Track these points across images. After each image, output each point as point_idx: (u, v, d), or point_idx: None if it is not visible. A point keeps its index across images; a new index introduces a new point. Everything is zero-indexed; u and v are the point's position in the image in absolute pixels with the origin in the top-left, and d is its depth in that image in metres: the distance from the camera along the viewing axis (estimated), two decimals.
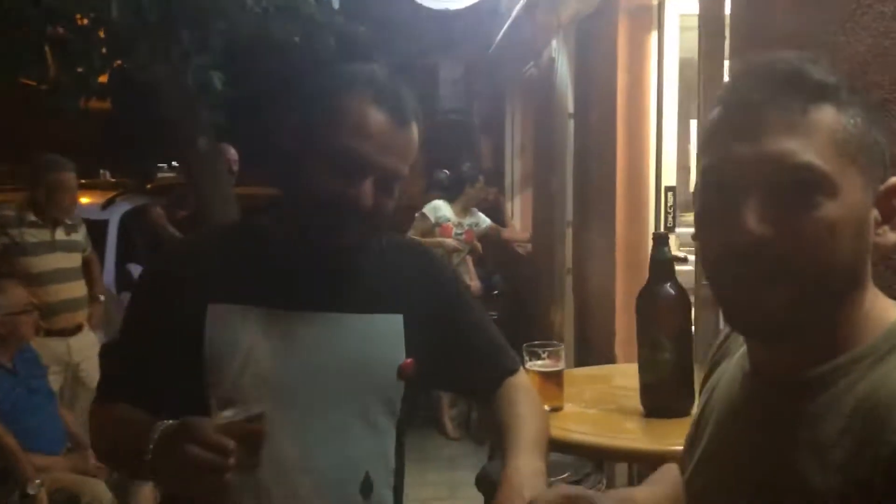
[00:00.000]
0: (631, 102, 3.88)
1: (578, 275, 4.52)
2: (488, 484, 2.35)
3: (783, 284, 0.81)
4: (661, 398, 1.67)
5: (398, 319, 1.33)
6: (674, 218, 3.99)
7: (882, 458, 0.76)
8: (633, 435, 1.61)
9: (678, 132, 3.87)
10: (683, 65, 3.97)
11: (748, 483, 0.91)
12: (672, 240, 4.08)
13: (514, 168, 7.03)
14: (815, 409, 0.84)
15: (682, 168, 4.13)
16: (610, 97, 3.95)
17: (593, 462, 2.66)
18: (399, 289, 1.36)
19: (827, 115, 0.82)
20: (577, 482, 2.59)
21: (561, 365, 1.70)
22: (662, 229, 3.96)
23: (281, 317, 1.28)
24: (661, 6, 3.86)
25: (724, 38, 2.48)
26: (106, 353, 1.44)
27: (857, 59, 1.57)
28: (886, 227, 0.86)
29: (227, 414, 1.14)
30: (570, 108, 4.51)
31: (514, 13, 5.44)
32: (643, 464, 1.74)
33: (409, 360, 1.32)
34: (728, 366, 1.06)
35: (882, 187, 0.85)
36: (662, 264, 1.65)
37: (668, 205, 3.97)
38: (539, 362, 1.77)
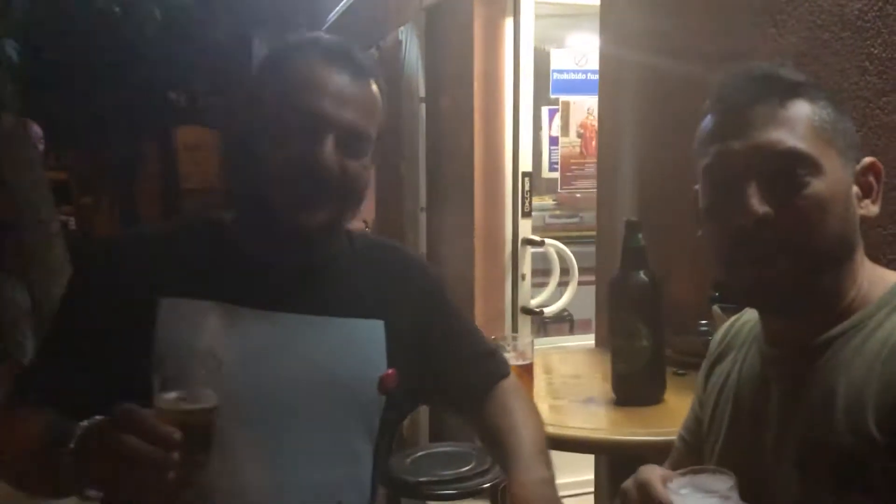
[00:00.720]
0: (487, 88, 3.91)
1: (433, 260, 4.51)
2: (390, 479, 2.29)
3: (784, 257, 0.93)
4: (637, 387, 1.67)
5: (378, 326, 1.21)
6: (530, 203, 4.08)
7: None
8: (627, 427, 1.59)
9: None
10: (538, 52, 4.06)
11: (788, 446, 0.97)
12: (527, 224, 4.19)
13: None
14: (840, 360, 0.94)
15: (535, 153, 4.24)
16: (466, 82, 3.96)
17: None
18: (379, 291, 1.24)
19: (802, 108, 0.95)
20: (484, 472, 2.57)
21: (530, 358, 1.66)
22: (521, 215, 4.05)
23: (246, 316, 1.13)
24: None
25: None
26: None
27: (789, 50, 1.65)
28: (867, 201, 0.99)
29: (170, 397, 0.95)
30: (422, 92, 4.47)
31: None
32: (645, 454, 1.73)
33: (390, 372, 1.20)
34: (739, 355, 1.13)
35: (858, 166, 0.98)
36: (636, 251, 1.64)
37: (525, 189, 4.05)
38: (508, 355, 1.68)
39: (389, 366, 1.20)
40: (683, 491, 0.89)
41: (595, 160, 4.45)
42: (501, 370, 1.35)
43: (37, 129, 4.57)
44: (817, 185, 0.93)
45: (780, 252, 0.93)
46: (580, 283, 4.09)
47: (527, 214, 4.01)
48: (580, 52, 4.41)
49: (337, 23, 5.94)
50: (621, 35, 2.49)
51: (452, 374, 1.31)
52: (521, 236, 3.99)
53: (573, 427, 1.56)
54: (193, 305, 1.11)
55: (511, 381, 1.34)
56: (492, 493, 2.62)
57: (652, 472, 0.93)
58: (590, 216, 5.19)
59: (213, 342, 1.10)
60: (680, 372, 1.77)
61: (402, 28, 4.61)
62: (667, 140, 2.29)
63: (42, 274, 4.44)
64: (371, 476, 1.22)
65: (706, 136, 1.00)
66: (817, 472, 0.93)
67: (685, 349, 1.77)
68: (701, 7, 2.14)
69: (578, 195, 4.94)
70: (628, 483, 0.94)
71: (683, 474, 0.91)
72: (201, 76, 8.67)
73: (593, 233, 5.06)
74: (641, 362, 1.63)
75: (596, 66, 4.42)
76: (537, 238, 4.01)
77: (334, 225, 1.16)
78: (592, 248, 4.32)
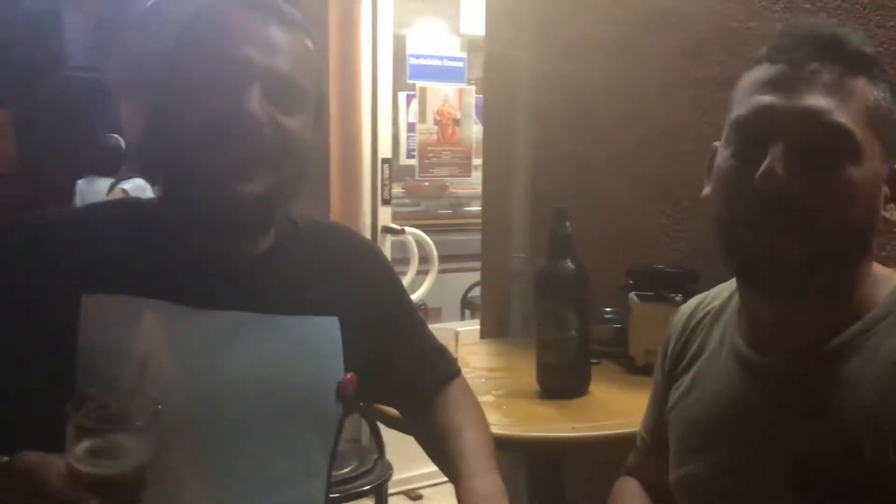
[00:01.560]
0: (344, 73, 3.78)
1: None
2: None
3: (801, 235, 0.84)
4: (565, 378, 1.62)
5: (333, 323, 1.08)
6: (389, 190, 4.00)
7: None
8: (566, 421, 1.53)
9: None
10: (395, 36, 3.97)
11: (783, 467, 0.90)
12: (387, 212, 4.10)
13: None
14: (847, 372, 0.87)
15: (394, 140, 4.16)
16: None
17: (378, 450, 2.56)
18: (332, 283, 1.10)
19: (861, 85, 0.87)
20: (367, 472, 2.47)
21: (455, 354, 1.57)
22: (380, 202, 3.95)
23: (182, 314, 0.97)
24: None
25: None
26: None
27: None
28: (893, 205, 0.90)
29: (86, 448, 0.77)
30: None
31: None
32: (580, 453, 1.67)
33: (349, 376, 1.08)
34: (708, 353, 1.05)
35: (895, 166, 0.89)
36: (563, 239, 1.59)
37: (384, 176, 3.96)
38: None
39: (347, 368, 1.08)
40: None
41: (452, 148, 4.48)
42: (452, 369, 1.27)
43: None
44: (853, 171, 0.84)
45: (796, 228, 0.84)
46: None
47: (386, 202, 3.93)
48: (437, 37, 4.38)
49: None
50: (508, 21, 2.46)
51: (405, 373, 1.21)
52: (380, 224, 3.91)
53: (511, 425, 1.50)
54: (121, 303, 0.95)
55: (461, 382, 1.27)
56: (375, 495, 2.54)
57: None
58: (434, 204, 5.21)
59: (145, 345, 0.94)
60: (593, 361, 1.77)
61: None
62: (561, 128, 2.29)
63: None
64: (324, 494, 1.11)
65: (749, 85, 0.90)
66: (819, 496, 0.86)
67: (594, 338, 1.76)
68: None
69: (427, 184, 4.93)
70: None
71: None
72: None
73: (441, 221, 5.11)
74: (571, 353, 1.60)
75: (452, 53, 4.45)
76: (397, 226, 3.94)
77: (273, 200, 0.99)
78: (441, 237, 4.36)
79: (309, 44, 1.02)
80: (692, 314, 1.12)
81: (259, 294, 1.02)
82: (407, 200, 5.08)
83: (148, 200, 1.06)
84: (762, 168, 0.84)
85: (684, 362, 1.09)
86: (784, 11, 1.70)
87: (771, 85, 0.87)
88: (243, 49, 0.95)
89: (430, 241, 4.00)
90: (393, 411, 1.36)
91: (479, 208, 5.21)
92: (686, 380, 1.07)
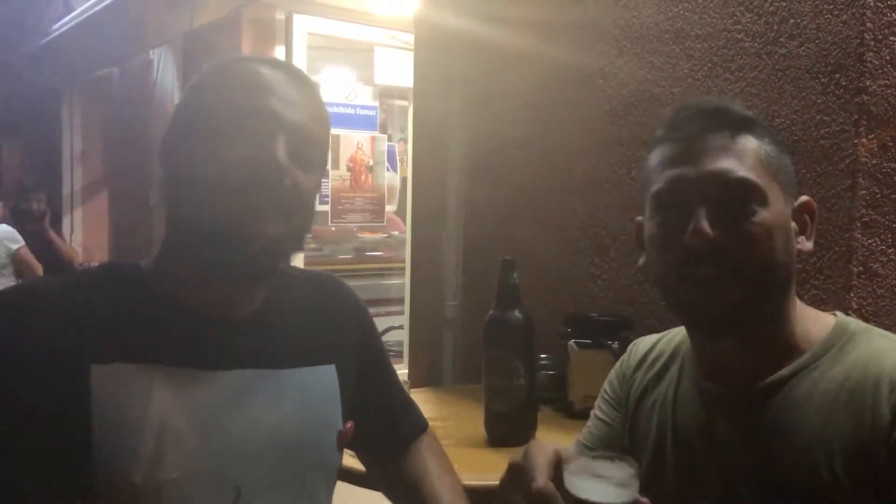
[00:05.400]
0: None
1: None
2: None
3: (735, 281, 0.96)
4: (514, 425, 1.66)
5: (331, 372, 1.10)
6: None
7: (879, 430, 0.90)
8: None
9: None
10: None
11: (740, 488, 0.99)
12: (299, 258, 4.08)
13: (75, 177, 6.24)
14: (795, 400, 0.97)
15: None
16: None
17: None
18: (325, 332, 1.12)
19: (751, 142, 1.01)
20: None
21: None
22: None
23: (191, 377, 0.97)
24: (288, 21, 3.84)
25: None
26: None
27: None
28: (803, 237, 1.05)
29: None
30: None
31: (85, 12, 4.86)
32: None
33: (349, 425, 1.10)
34: (663, 386, 1.14)
35: (796, 203, 1.03)
36: (511, 289, 1.65)
37: None
38: None
39: (343, 417, 1.10)
40: (575, 477, 0.83)
41: (364, 194, 4.51)
42: (423, 421, 1.30)
43: None
44: (764, 215, 0.96)
45: (729, 276, 0.95)
46: None
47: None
48: (349, 86, 4.43)
49: (67, 34, 5.36)
50: (436, 73, 2.54)
51: (380, 423, 1.23)
52: None
53: (466, 475, 1.53)
54: (130, 370, 0.93)
55: (431, 434, 1.30)
56: None
57: (540, 453, 0.87)
58: (338, 249, 5.21)
59: (160, 412, 0.93)
60: None
61: (154, 50, 4.32)
62: (489, 178, 2.37)
63: None
64: None
65: (658, 163, 1.03)
66: None
67: None
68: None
69: (333, 229, 4.94)
70: (517, 458, 0.90)
71: (578, 458, 0.86)
72: None
73: (346, 267, 5.11)
74: (519, 400, 1.65)
75: (364, 102, 4.50)
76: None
77: (284, 248, 1.01)
78: (350, 283, 4.35)
79: (321, 103, 1.06)
80: (654, 346, 1.21)
81: (259, 350, 1.03)
82: (313, 245, 5.06)
83: (141, 267, 1.04)
84: (690, 228, 0.96)
85: (643, 387, 1.17)
86: (706, 79, 1.85)
87: (677, 159, 1.00)
88: (268, 100, 0.97)
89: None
90: (357, 466, 1.36)
91: (381, 253, 5.30)
92: (646, 405, 1.15)
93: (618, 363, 1.25)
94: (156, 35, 4.36)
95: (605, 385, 1.26)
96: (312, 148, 1.01)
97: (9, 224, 4.59)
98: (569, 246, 2.13)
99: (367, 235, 5.20)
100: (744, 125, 1.01)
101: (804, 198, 1.04)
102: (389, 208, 4.60)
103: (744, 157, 0.98)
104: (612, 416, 1.22)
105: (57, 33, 5.50)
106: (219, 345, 1.00)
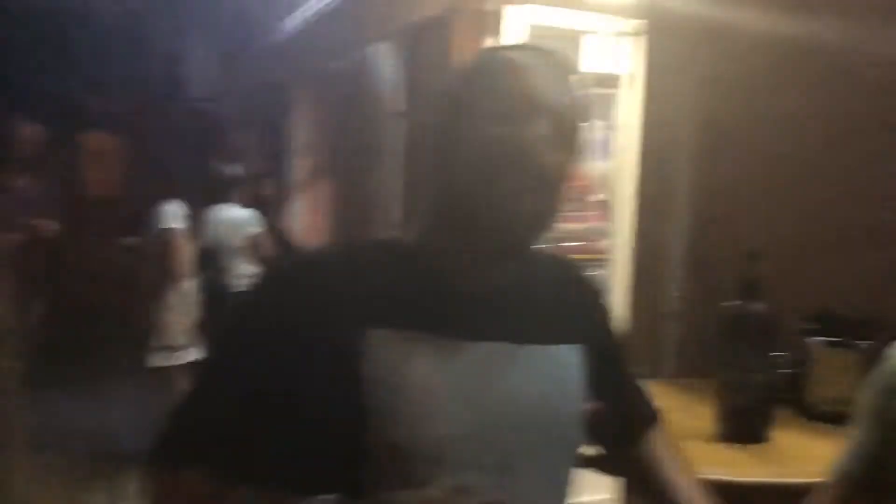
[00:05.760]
0: None
1: None
2: None
3: None
4: (749, 422, 1.60)
5: (576, 352, 1.09)
6: None
7: None
8: (751, 468, 1.50)
9: None
10: None
11: None
12: None
13: (300, 166, 6.69)
14: None
15: None
16: None
17: None
18: (569, 312, 1.13)
19: None
20: None
21: None
22: None
23: (452, 347, 1.00)
24: (501, 14, 3.86)
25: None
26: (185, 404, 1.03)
27: None
28: None
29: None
30: (397, 106, 4.38)
31: (313, 9, 5.17)
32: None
33: (594, 405, 1.09)
34: None
35: None
36: (755, 283, 1.58)
37: None
38: None
39: (586, 397, 1.09)
40: None
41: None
42: (655, 410, 1.27)
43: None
44: None
45: None
46: None
47: None
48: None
49: (299, 32, 5.76)
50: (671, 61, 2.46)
51: (618, 408, 1.20)
52: None
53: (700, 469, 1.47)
54: (398, 337, 0.98)
55: (663, 424, 1.27)
56: None
57: None
58: None
59: (423, 379, 0.97)
60: None
61: (376, 44, 4.52)
62: (729, 163, 2.27)
63: None
64: None
65: None
66: None
67: None
68: None
69: None
70: None
71: None
72: (122, 82, 8.31)
73: None
74: (755, 397, 1.58)
75: None
76: None
77: (540, 226, 1.03)
78: None
79: (579, 87, 1.07)
80: None
81: (508, 324, 1.05)
82: None
83: (401, 240, 1.10)
84: None
85: None
86: None
87: None
88: (531, 83, 1.00)
89: None
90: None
91: (582, 243, 5.20)
92: None
93: (876, 375, 1.15)
94: (378, 30, 4.56)
95: (865, 402, 1.16)
96: (568, 130, 1.02)
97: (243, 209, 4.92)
98: (813, 237, 1.99)
99: (570, 225, 5.15)
100: None
101: None
102: (597, 197, 4.51)
103: None
104: (877, 436, 1.13)
105: (289, 28, 5.90)
106: (472, 317, 1.03)
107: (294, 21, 5.82)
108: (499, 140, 0.98)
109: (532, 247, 1.08)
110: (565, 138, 1.01)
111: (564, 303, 1.14)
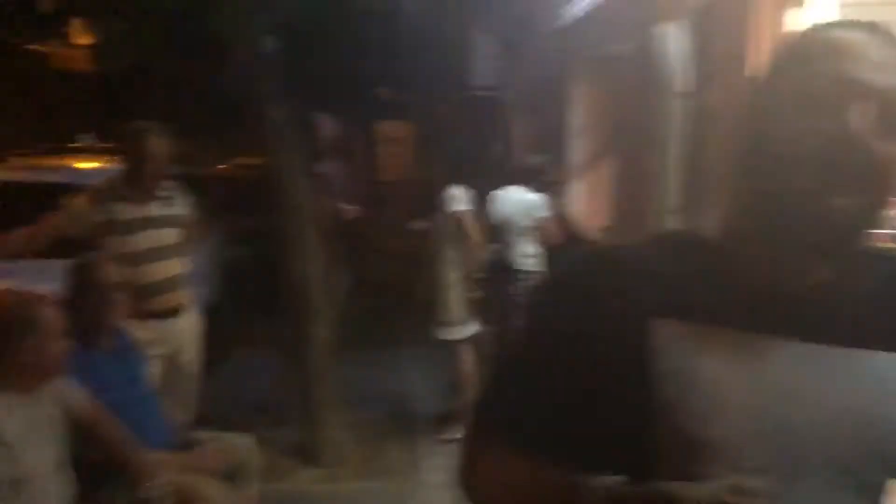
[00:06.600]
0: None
1: None
2: None
3: None
4: None
5: None
6: None
7: None
8: None
9: None
10: None
11: None
12: None
13: (578, 148, 6.77)
14: None
15: None
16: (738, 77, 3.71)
17: None
18: None
19: None
20: None
21: None
22: None
23: (750, 343, 0.97)
24: None
25: None
26: (499, 384, 1.11)
27: None
28: None
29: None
30: (683, 87, 4.27)
31: None
32: None
33: None
34: None
35: None
36: None
37: None
38: None
39: None
40: None
41: None
42: None
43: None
44: None
45: None
46: None
47: None
48: None
49: (580, 18, 5.80)
50: None
51: None
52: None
53: None
54: (692, 330, 0.98)
55: None
56: None
57: None
58: None
59: (717, 370, 0.96)
60: None
61: (663, 27, 4.43)
62: None
63: None
64: None
65: None
66: None
67: None
68: None
69: None
70: None
71: None
72: (413, 73, 8.86)
73: None
74: None
75: None
76: None
77: (860, 222, 0.97)
78: None
79: None
80: None
81: (825, 325, 0.99)
82: None
83: (701, 235, 1.08)
84: None
85: None
86: None
87: None
88: (854, 66, 0.94)
89: None
90: None
91: None
92: None
93: None
94: (668, 11, 4.47)
95: None
96: None
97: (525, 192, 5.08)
98: None
99: None
100: None
101: None
102: None
103: None
104: None
105: (569, 18, 5.96)
106: (781, 314, 0.98)
107: (578, 6, 5.86)
108: (811, 133, 0.92)
109: (858, 243, 1.01)
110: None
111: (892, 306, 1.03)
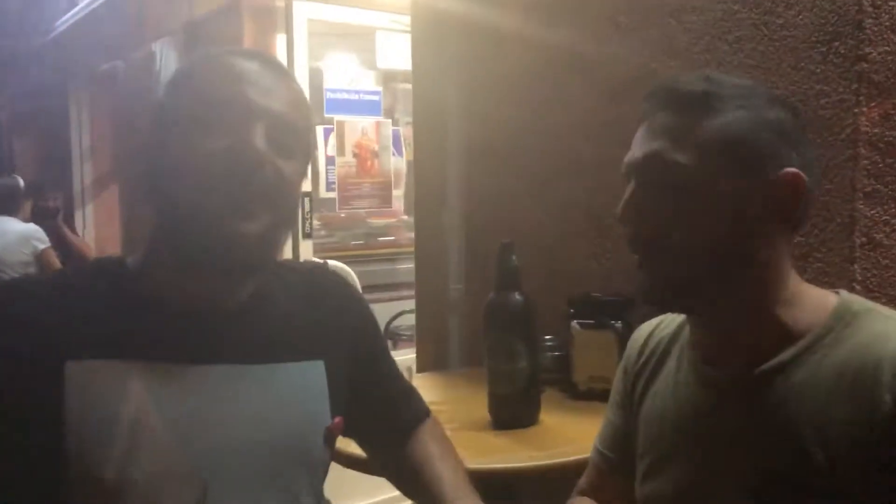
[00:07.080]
0: None
1: None
2: None
3: (652, 265, 1.00)
4: (517, 408, 1.66)
5: (319, 367, 1.08)
6: (310, 223, 4.00)
7: (880, 415, 0.87)
8: (517, 452, 1.57)
9: None
10: (313, 71, 3.98)
11: (743, 474, 0.96)
12: (308, 245, 4.09)
13: (85, 171, 6.27)
14: (794, 385, 0.94)
15: (313, 173, 4.15)
16: None
17: None
18: (315, 326, 1.10)
19: (700, 121, 0.96)
20: None
21: None
22: (301, 236, 3.95)
23: (171, 373, 0.96)
24: (287, 9, 3.82)
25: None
26: None
27: None
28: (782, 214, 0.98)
29: None
30: None
31: (87, 7, 4.87)
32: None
33: (338, 420, 1.08)
34: (668, 371, 1.12)
35: (774, 176, 0.95)
36: (511, 273, 1.64)
37: (305, 210, 3.96)
38: None
39: (333, 412, 1.09)
40: None
41: (371, 180, 4.50)
42: (423, 409, 1.30)
43: None
44: (683, 200, 0.94)
45: (649, 259, 0.99)
46: None
47: (307, 235, 3.93)
48: (352, 71, 4.41)
49: (69, 32, 5.38)
50: (434, 55, 2.53)
51: (382, 413, 1.23)
52: (302, 258, 3.90)
53: (469, 458, 1.53)
54: (106, 367, 0.93)
55: (433, 420, 1.30)
56: None
57: None
58: (348, 235, 5.22)
59: (134, 409, 0.92)
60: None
61: (156, 41, 4.31)
62: (491, 161, 2.36)
63: None
64: None
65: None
66: (776, 501, 0.93)
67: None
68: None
69: (343, 215, 4.94)
70: None
71: None
72: None
73: (357, 252, 5.12)
74: (522, 383, 1.65)
75: (367, 87, 4.49)
76: (319, 260, 3.94)
77: (270, 241, 1.00)
78: (358, 268, 4.37)
79: (299, 91, 1.05)
80: (651, 334, 1.18)
81: (245, 344, 1.02)
82: (323, 232, 5.07)
83: (121, 261, 1.04)
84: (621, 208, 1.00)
85: (644, 379, 1.15)
86: (704, 53, 1.82)
87: (636, 139, 1.02)
88: (244, 90, 0.96)
89: (354, 274, 4.00)
90: (357, 453, 1.37)
91: (392, 238, 5.29)
92: (648, 397, 1.13)
93: (623, 359, 1.22)
94: (157, 27, 4.37)
95: (614, 384, 1.24)
96: (292, 135, 1.00)
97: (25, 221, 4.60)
98: (571, 228, 2.12)
99: (377, 220, 5.20)
100: (695, 103, 0.96)
101: (784, 170, 0.95)
102: (397, 192, 4.59)
103: (685, 136, 0.95)
104: (621, 416, 1.20)
105: (60, 29, 5.52)
106: (202, 339, 0.99)
107: (69, 20, 5.44)
108: (214, 153, 0.92)
109: (269, 263, 1.05)
110: (289, 143, 0.99)
111: (311, 317, 1.11)
